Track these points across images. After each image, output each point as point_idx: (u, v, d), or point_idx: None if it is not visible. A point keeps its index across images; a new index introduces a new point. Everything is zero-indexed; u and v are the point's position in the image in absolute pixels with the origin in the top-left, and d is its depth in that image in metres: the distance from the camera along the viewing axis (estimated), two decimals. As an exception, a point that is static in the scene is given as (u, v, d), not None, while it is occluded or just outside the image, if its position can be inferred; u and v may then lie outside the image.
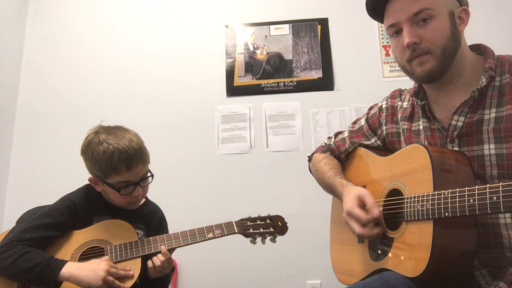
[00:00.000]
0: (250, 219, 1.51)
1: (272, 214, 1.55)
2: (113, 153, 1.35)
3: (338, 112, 2.61)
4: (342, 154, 1.49)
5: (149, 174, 1.46)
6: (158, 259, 1.36)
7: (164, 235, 1.43)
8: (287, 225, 1.52)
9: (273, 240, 1.50)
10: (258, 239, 1.49)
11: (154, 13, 2.83)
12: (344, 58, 2.69)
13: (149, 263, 1.36)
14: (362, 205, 1.16)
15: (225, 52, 2.75)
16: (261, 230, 1.48)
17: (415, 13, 1.07)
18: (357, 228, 1.14)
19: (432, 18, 1.06)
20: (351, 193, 1.22)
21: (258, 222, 1.50)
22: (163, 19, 2.82)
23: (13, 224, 1.48)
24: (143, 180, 1.43)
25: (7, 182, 2.57)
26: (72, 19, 2.84)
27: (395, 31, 1.13)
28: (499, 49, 1.17)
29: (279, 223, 1.51)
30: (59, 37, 2.82)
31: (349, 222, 1.18)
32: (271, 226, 1.50)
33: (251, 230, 1.47)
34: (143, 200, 1.58)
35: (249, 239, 1.48)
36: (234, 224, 1.47)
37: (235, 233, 1.46)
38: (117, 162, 1.35)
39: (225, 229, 1.45)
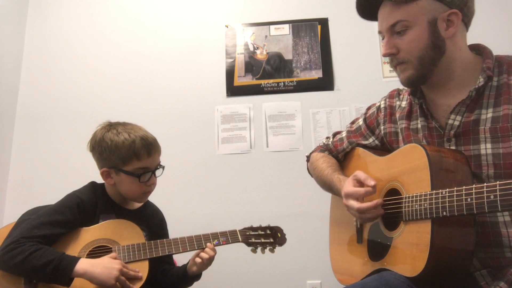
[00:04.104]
0: (252, 228, 1.55)
1: (273, 219, 1.61)
2: (134, 140, 1.43)
3: (338, 112, 2.61)
4: (340, 154, 1.49)
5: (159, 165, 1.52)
6: (207, 254, 1.44)
7: (171, 239, 1.45)
8: (286, 236, 1.57)
9: (272, 251, 1.54)
10: (258, 249, 1.53)
11: (154, 13, 2.83)
12: (344, 58, 2.69)
13: (197, 259, 1.44)
14: (359, 184, 1.18)
15: (225, 52, 2.74)
16: (262, 240, 1.53)
17: (391, 25, 1.11)
18: (356, 204, 1.15)
19: (408, 28, 1.09)
20: (347, 180, 1.24)
21: (259, 232, 1.55)
22: (163, 19, 2.82)
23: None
24: (157, 169, 1.50)
25: (7, 182, 2.57)
26: (72, 20, 2.84)
27: (383, 37, 1.18)
28: (499, 49, 1.17)
29: (278, 234, 1.56)
30: (59, 37, 2.82)
31: (348, 203, 1.18)
32: (271, 237, 1.54)
33: (253, 240, 1.52)
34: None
35: (250, 248, 1.53)
36: (238, 233, 1.51)
37: (239, 241, 1.50)
38: (139, 148, 1.42)
39: (230, 238, 1.49)
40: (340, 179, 1.32)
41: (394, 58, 1.13)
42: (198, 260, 1.44)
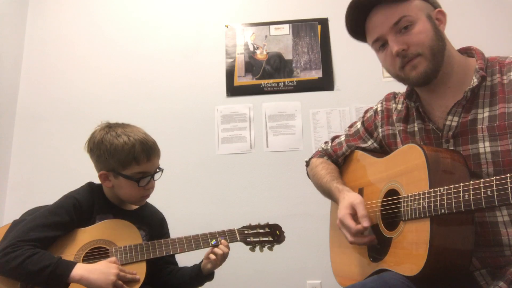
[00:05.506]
0: (250, 227, 1.53)
1: (274, 219, 1.58)
2: (134, 144, 1.40)
3: (338, 112, 2.61)
4: (339, 158, 1.49)
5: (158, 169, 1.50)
6: (221, 250, 1.43)
7: (169, 239, 1.44)
8: (284, 234, 1.55)
9: (270, 249, 1.53)
10: (257, 248, 1.52)
11: (154, 14, 2.83)
12: (344, 58, 2.68)
13: (211, 256, 1.43)
14: (355, 213, 1.17)
15: (225, 52, 2.75)
16: (260, 238, 1.51)
17: (395, 23, 1.10)
18: (349, 236, 1.17)
19: (412, 24, 1.09)
20: (345, 200, 1.23)
21: (258, 230, 1.53)
22: (163, 19, 2.82)
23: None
24: (156, 173, 1.48)
25: (7, 182, 2.57)
26: (71, 20, 2.85)
27: (381, 44, 1.16)
28: (497, 50, 1.17)
29: (277, 232, 1.54)
30: (59, 37, 2.82)
31: (342, 230, 1.21)
32: (270, 235, 1.53)
33: (251, 238, 1.50)
34: None
35: (248, 247, 1.51)
36: (236, 232, 1.50)
37: (237, 241, 1.49)
38: (139, 152, 1.40)
39: (228, 237, 1.48)
40: (338, 189, 1.32)
41: (407, 54, 1.09)
42: (212, 256, 1.43)
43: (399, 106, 1.31)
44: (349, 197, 1.23)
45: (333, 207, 1.54)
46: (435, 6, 1.15)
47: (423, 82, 1.12)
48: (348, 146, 1.46)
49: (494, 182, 0.82)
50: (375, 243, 1.16)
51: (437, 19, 1.12)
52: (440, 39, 1.10)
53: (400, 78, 1.17)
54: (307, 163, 1.60)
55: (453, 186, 0.91)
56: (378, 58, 1.22)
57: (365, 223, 1.12)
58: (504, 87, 1.06)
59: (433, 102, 1.18)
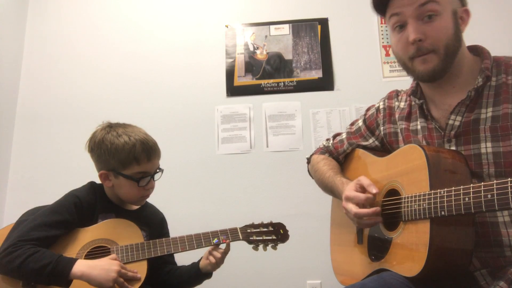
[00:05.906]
0: (253, 225, 1.52)
1: (273, 219, 1.57)
2: (135, 144, 1.41)
3: (338, 112, 2.61)
4: (340, 155, 1.49)
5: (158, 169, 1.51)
6: (218, 253, 1.44)
7: (170, 238, 1.44)
8: (289, 233, 1.54)
9: (274, 248, 1.52)
10: (260, 246, 1.51)
11: (154, 14, 2.83)
12: (344, 58, 2.68)
13: (211, 258, 1.44)
14: (361, 190, 1.16)
15: (225, 52, 2.74)
16: (264, 237, 1.50)
17: (421, 4, 1.06)
18: (354, 208, 1.14)
19: (437, 15, 1.06)
20: (350, 183, 1.23)
21: (261, 229, 1.52)
22: (163, 19, 2.82)
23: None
24: (156, 173, 1.49)
25: (7, 182, 2.57)
26: (72, 20, 2.85)
27: (399, 25, 1.12)
28: (498, 50, 1.17)
29: (281, 231, 1.53)
30: (59, 37, 2.82)
31: (347, 207, 1.17)
32: (273, 234, 1.52)
33: (254, 237, 1.49)
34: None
35: (251, 245, 1.50)
36: (239, 230, 1.49)
37: (239, 239, 1.48)
38: (140, 152, 1.41)
39: (230, 235, 1.47)
40: (343, 182, 1.31)
41: (421, 46, 1.07)
42: (212, 260, 1.44)
43: (402, 104, 1.30)
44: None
45: (334, 205, 1.54)
46: (463, 3, 1.13)
47: (427, 79, 1.12)
48: (349, 143, 1.46)
49: (495, 186, 0.82)
50: (381, 221, 1.14)
51: (461, 17, 1.10)
52: (457, 39, 1.08)
53: (405, 67, 1.15)
54: (308, 160, 1.60)
55: (453, 188, 0.91)
56: (390, 37, 1.18)
57: (374, 190, 1.11)
58: (509, 87, 1.05)
59: (437, 100, 1.17)
